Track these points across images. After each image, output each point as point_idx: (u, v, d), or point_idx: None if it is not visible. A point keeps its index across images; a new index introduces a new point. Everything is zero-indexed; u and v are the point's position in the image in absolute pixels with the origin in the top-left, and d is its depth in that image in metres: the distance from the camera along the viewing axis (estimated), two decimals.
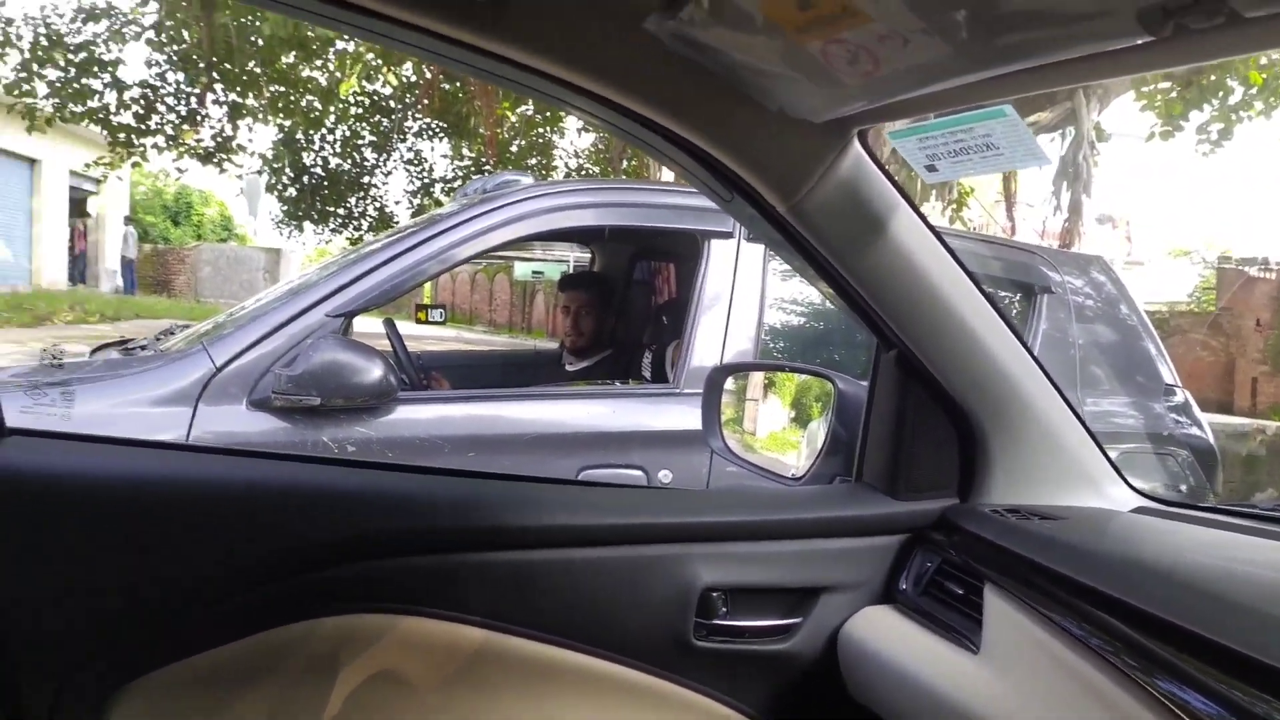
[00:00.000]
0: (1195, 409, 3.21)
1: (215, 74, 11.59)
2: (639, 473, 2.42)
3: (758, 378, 2.17)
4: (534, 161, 14.15)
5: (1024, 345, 1.25)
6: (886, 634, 1.20)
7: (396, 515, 1.09)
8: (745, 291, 2.69)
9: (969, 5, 0.70)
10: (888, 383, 1.29)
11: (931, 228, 1.15)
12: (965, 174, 1.05)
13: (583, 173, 13.99)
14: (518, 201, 2.63)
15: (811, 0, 0.75)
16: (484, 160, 13.27)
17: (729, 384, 1.78)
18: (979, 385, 1.24)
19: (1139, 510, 1.31)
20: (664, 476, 2.42)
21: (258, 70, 11.69)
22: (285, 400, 2.15)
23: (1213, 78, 9.76)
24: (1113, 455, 2.94)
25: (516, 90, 1.31)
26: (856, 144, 1.05)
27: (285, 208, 14.35)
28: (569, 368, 3.35)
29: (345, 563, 1.06)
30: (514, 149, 13.84)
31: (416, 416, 2.39)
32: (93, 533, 0.99)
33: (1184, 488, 2.98)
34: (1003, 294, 3.21)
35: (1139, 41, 0.66)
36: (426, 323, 3.31)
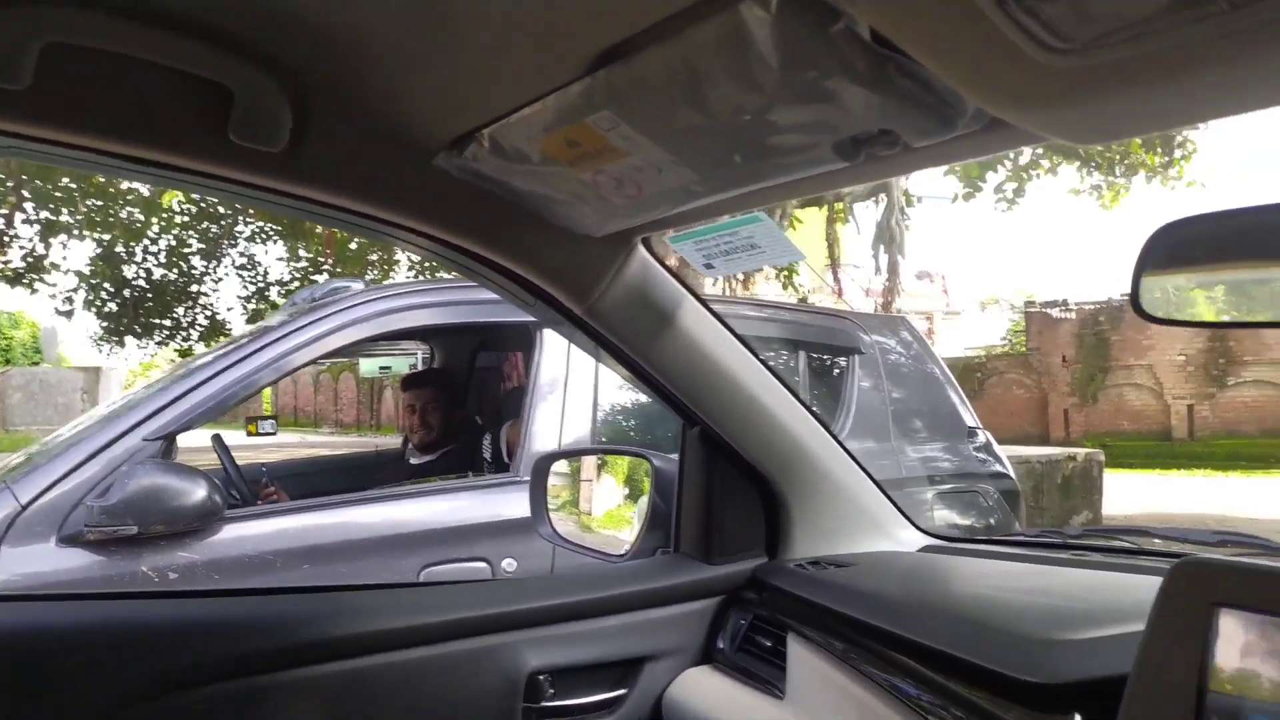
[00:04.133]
0: (995, 447, 3.52)
1: (24, 193, 10.94)
2: (483, 564, 2.43)
3: (591, 460, 2.26)
4: (375, 257, 13.97)
5: (809, 410, 1.38)
6: (705, 693, 1.27)
7: (210, 642, 1.08)
8: (579, 376, 2.78)
9: (705, 144, 0.82)
10: (693, 457, 1.39)
11: (717, 316, 1.27)
12: (738, 270, 1.18)
13: (425, 267, 13.91)
14: (349, 308, 2.65)
15: (577, 140, 0.85)
16: (322, 260, 13.01)
17: (559, 470, 1.84)
18: (772, 451, 1.35)
19: (925, 549, 1.45)
20: (508, 565, 2.43)
21: (72, 185, 11.11)
22: (99, 533, 2.05)
23: None
24: (929, 497, 3.16)
25: (318, 222, 1.37)
26: (641, 249, 1.16)
27: (105, 324, 13.51)
28: (413, 462, 3.33)
29: (154, 699, 1.04)
30: (353, 246, 13.63)
31: (246, 534, 2.32)
32: None
33: (992, 521, 3.24)
34: (821, 357, 3.45)
35: (839, 166, 0.80)
36: (258, 435, 3.22)
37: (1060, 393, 17.28)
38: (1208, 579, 0.74)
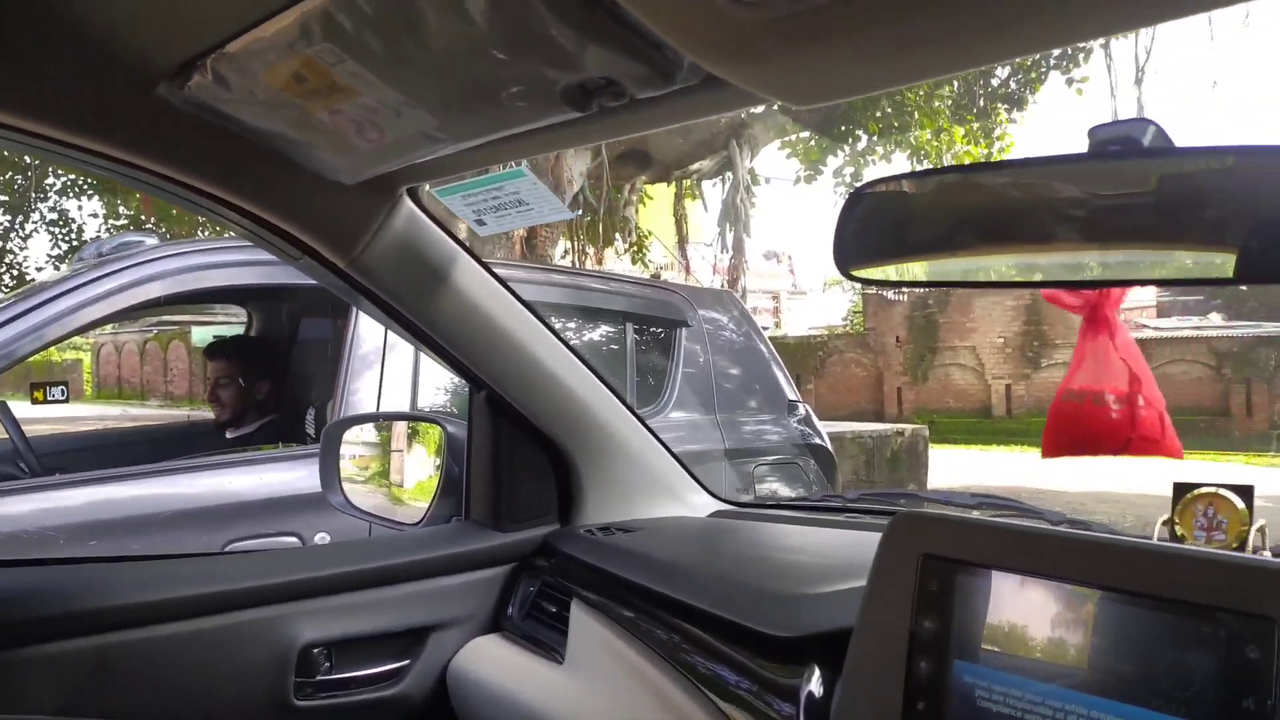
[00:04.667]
0: (815, 420, 3.68)
1: None
2: (294, 539, 2.33)
3: (402, 428, 2.20)
4: (203, 217, 13.12)
5: (597, 375, 1.38)
6: (491, 661, 1.26)
7: None
8: (399, 344, 2.69)
9: (436, 85, 0.79)
10: (482, 422, 1.37)
11: (495, 275, 1.25)
12: (508, 227, 1.16)
13: None
14: (142, 263, 2.46)
15: (304, 74, 0.81)
16: (143, 218, 12.11)
17: (359, 436, 1.78)
18: (561, 416, 1.35)
19: (715, 514, 1.49)
20: (321, 540, 2.34)
21: None
22: None
23: (842, 128, 11.28)
24: (752, 469, 3.24)
25: (30, 154, 1.25)
26: (408, 201, 1.12)
27: None
28: (229, 435, 3.15)
29: None
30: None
31: (26, 508, 2.13)
32: None
33: (814, 489, 3.39)
34: (648, 330, 3.49)
35: (574, 116, 0.79)
36: (45, 402, 2.97)
37: (894, 371, 18.26)
38: (920, 531, 0.79)
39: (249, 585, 1.16)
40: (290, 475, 2.48)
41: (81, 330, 2.39)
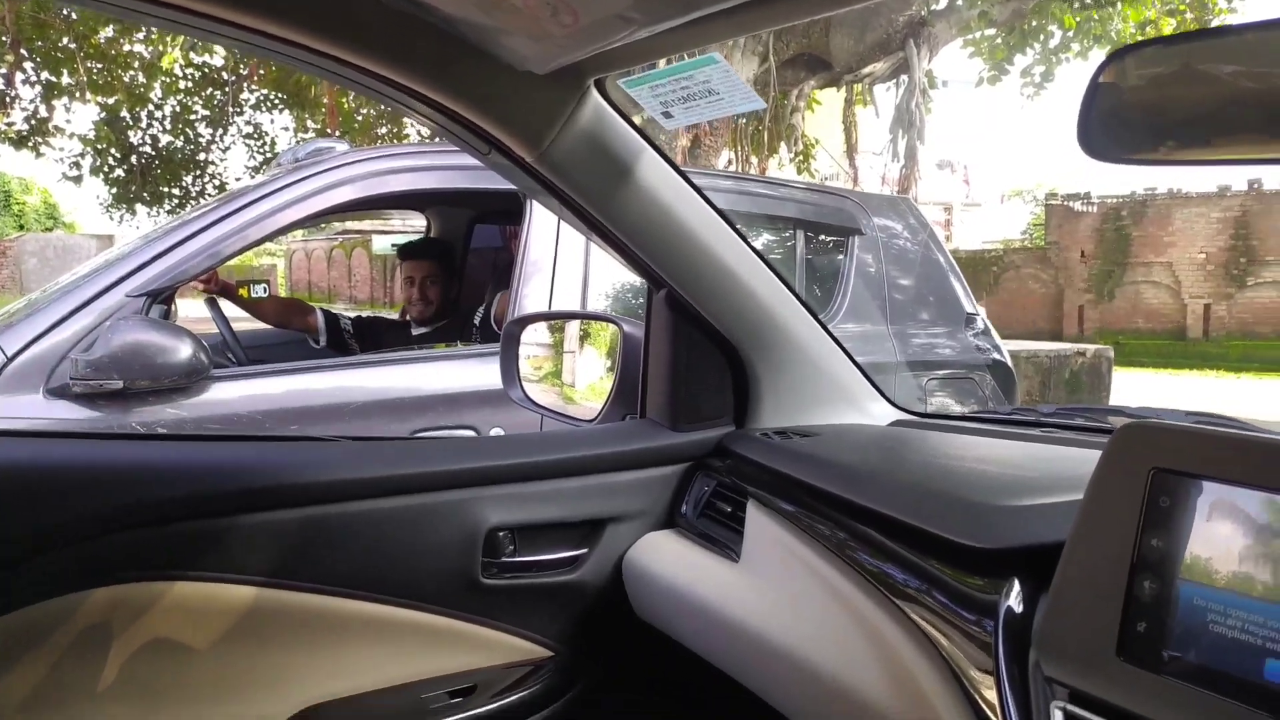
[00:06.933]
0: (994, 334, 3.48)
1: (25, 51, 10.68)
2: (471, 432, 2.45)
3: (574, 329, 2.23)
4: (384, 131, 13.70)
5: (781, 279, 1.34)
6: (665, 555, 1.28)
7: (170, 483, 1.09)
8: (569, 246, 2.73)
9: None
10: (660, 321, 1.36)
11: (681, 172, 1.22)
12: (696, 118, 1.12)
13: (432, 137, 13.66)
14: (334, 168, 2.58)
15: None
16: (329, 131, 12.77)
17: (535, 335, 1.82)
18: (742, 318, 1.32)
19: (895, 423, 1.44)
20: (496, 433, 2.45)
21: (72, 46, 10.84)
22: (84, 386, 2.06)
23: (1034, 23, 10.36)
24: (924, 382, 3.13)
25: (265, 56, 1.30)
26: (595, 94, 1.10)
27: (114, 190, 13.43)
28: (414, 333, 3.33)
29: (115, 533, 1.05)
30: (360, 115, 13.36)
31: (235, 394, 2.33)
32: None
33: (988, 406, 3.24)
34: (819, 237, 3.37)
35: None
36: (249, 299, 3.22)
37: (1076, 289, 17.09)
38: (1148, 442, 0.72)
39: (442, 469, 1.22)
40: (466, 371, 2.59)
41: (281, 232, 2.55)
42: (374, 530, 1.17)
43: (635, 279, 3.22)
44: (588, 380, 2.07)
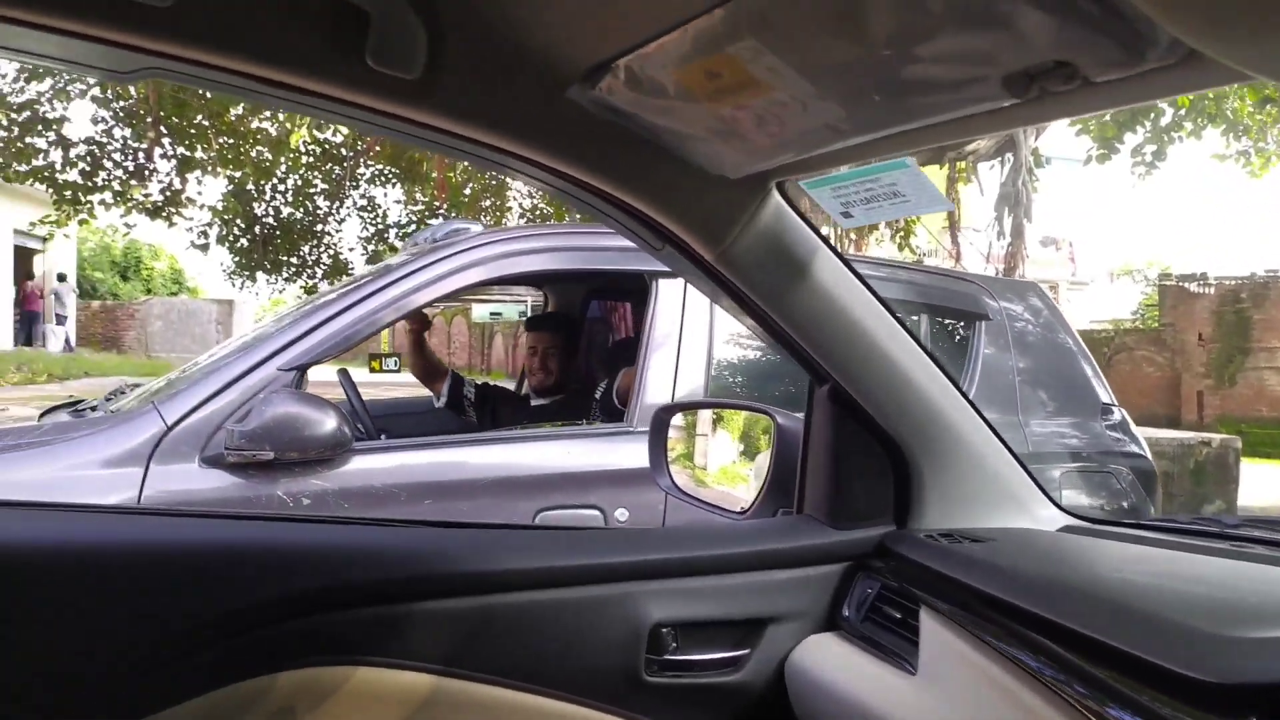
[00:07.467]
0: (1132, 427, 3.33)
1: (163, 128, 11.53)
2: (596, 512, 2.45)
3: (706, 413, 2.23)
4: (488, 204, 14.20)
5: (946, 374, 1.31)
6: (831, 660, 1.24)
7: (357, 568, 1.12)
8: (694, 328, 2.75)
9: (857, 77, 0.77)
10: (822, 416, 1.35)
11: (853, 269, 1.22)
12: (877, 219, 1.12)
13: (536, 213, 14.06)
14: (468, 249, 2.68)
15: (718, 72, 0.81)
16: (437, 204, 13.31)
17: (675, 422, 1.83)
18: (907, 414, 1.30)
19: (1066, 529, 1.38)
20: (620, 515, 2.45)
21: (206, 123, 11.65)
22: (238, 456, 2.15)
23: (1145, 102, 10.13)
24: (1056, 475, 3.00)
25: (449, 155, 1.37)
26: (776, 195, 1.11)
27: (237, 259, 14.21)
28: (533, 403, 3.38)
29: (299, 618, 1.08)
30: (467, 191, 13.90)
31: (372, 466, 2.40)
32: (41, 601, 1.00)
33: (1125, 504, 3.07)
34: (945, 322, 3.31)
35: (1002, 104, 0.73)
36: (381, 371, 3.33)
37: (1194, 373, 16.29)
38: None
39: (611, 561, 1.22)
40: (592, 450, 2.61)
41: (422, 308, 2.65)
42: (545, 622, 1.17)
43: (754, 362, 3.24)
44: (723, 470, 2.05)
